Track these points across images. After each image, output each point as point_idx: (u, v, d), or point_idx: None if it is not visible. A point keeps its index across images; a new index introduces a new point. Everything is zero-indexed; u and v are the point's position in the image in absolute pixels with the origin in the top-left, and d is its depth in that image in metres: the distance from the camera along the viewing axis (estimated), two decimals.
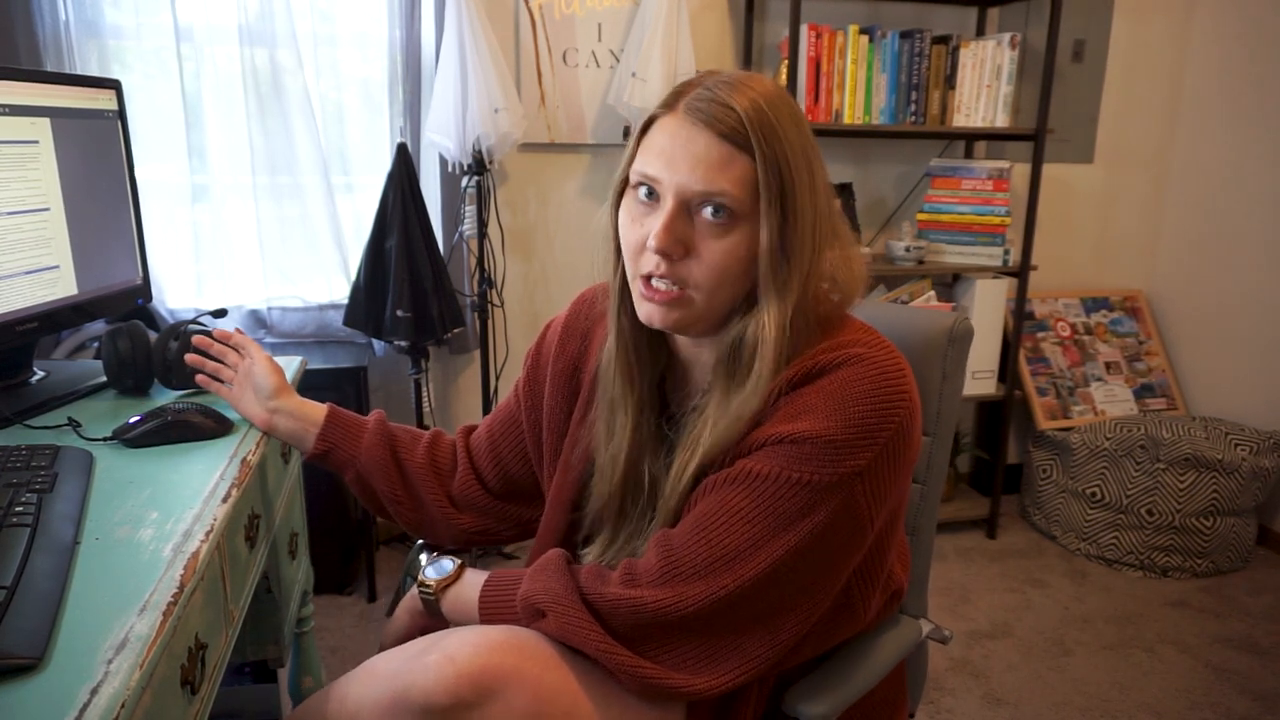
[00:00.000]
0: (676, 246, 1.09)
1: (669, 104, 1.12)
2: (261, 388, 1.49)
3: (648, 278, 1.12)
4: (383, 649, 1.34)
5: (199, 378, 1.55)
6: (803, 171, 1.07)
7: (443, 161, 3.14)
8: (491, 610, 1.21)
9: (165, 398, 1.63)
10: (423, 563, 1.58)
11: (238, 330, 1.59)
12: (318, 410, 1.49)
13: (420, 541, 1.63)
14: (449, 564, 1.29)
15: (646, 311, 1.15)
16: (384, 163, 3.10)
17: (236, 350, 1.55)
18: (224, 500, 1.20)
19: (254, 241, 3.13)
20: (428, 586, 1.27)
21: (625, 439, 1.25)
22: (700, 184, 1.07)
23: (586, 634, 1.10)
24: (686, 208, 1.09)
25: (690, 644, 1.10)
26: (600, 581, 1.13)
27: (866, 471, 1.06)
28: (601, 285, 1.27)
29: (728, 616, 1.08)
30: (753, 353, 1.11)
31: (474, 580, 1.26)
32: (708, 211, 1.08)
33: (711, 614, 1.07)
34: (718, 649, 1.10)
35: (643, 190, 1.12)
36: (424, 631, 1.33)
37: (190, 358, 1.55)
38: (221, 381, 1.54)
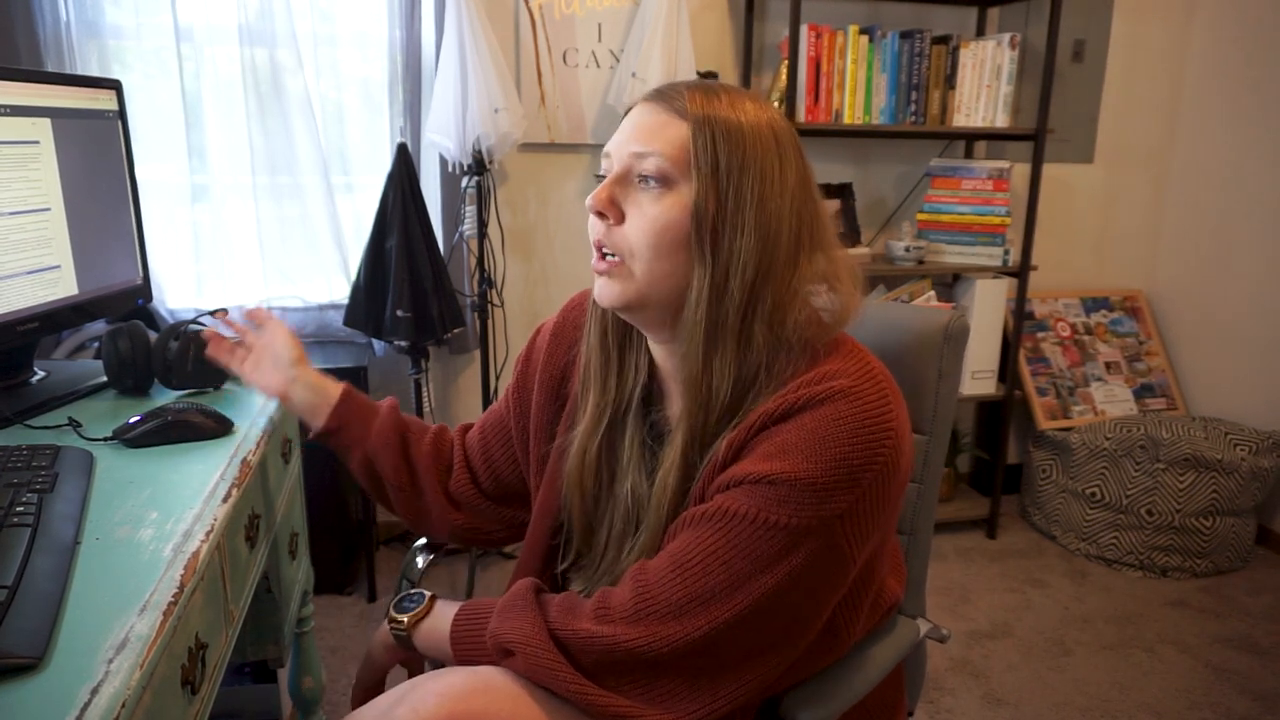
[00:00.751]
0: (611, 208, 1.11)
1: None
2: (281, 357, 1.47)
3: (597, 249, 1.15)
4: (359, 685, 1.34)
5: (211, 350, 1.53)
6: (750, 156, 1.07)
7: (443, 161, 3.14)
8: (464, 645, 1.19)
9: (165, 398, 1.64)
10: (419, 565, 1.59)
11: (260, 308, 1.58)
12: (334, 387, 1.48)
13: (418, 543, 1.62)
14: (419, 597, 1.27)
15: (597, 288, 1.17)
16: (384, 163, 3.10)
17: (258, 326, 1.54)
18: (224, 500, 1.20)
19: (254, 241, 3.13)
20: (399, 622, 1.25)
21: (584, 430, 1.26)
22: (636, 145, 1.10)
23: (556, 673, 1.08)
24: (628, 174, 1.12)
25: (665, 680, 1.08)
26: (571, 615, 1.11)
27: (848, 514, 1.04)
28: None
29: (704, 656, 1.06)
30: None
31: (445, 613, 1.24)
32: (643, 174, 1.10)
33: (686, 654, 1.06)
34: (694, 685, 1.08)
35: (603, 169, 1.16)
36: (404, 664, 1.32)
37: (208, 332, 1.55)
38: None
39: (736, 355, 1.10)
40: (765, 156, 1.08)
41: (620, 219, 1.12)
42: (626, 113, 1.17)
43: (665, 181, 1.09)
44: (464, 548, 3.18)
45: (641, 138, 1.10)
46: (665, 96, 1.12)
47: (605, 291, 1.15)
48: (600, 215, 1.13)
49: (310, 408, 1.47)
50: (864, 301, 1.18)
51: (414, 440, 1.48)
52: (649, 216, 1.09)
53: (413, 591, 1.28)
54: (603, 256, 1.14)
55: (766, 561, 1.03)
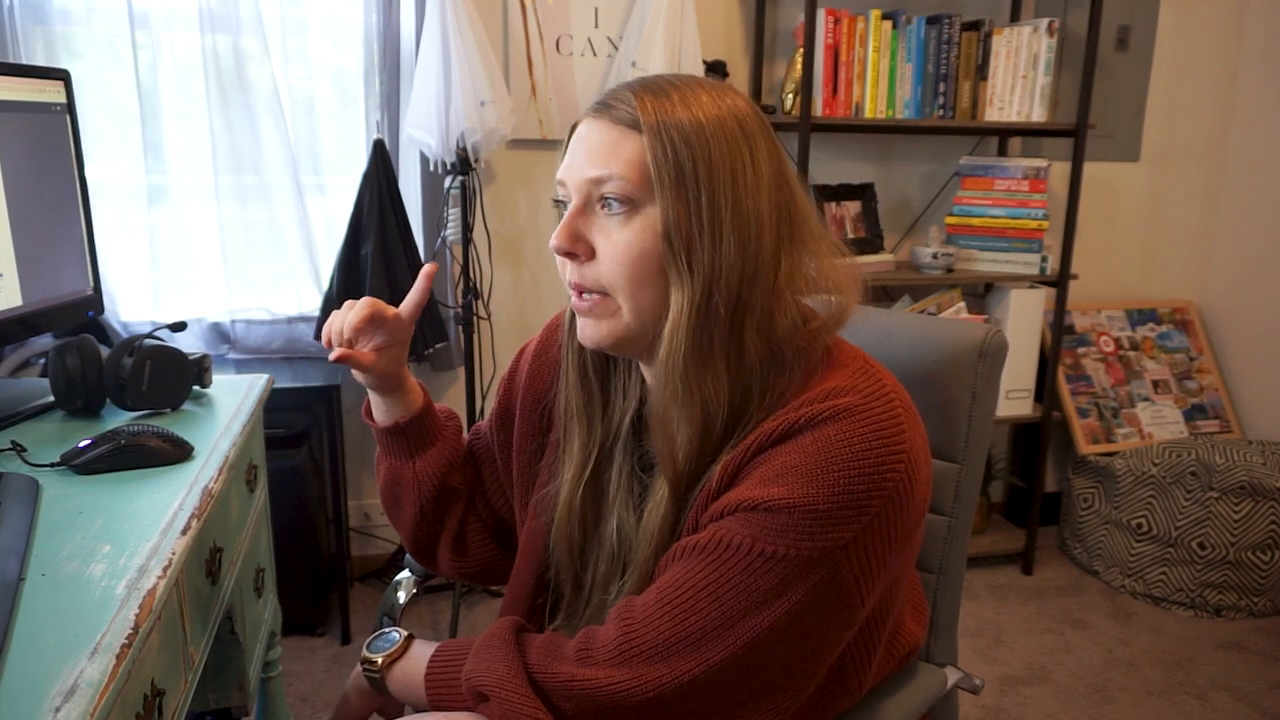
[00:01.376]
0: (577, 244, 1.10)
1: (589, 108, 1.14)
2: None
3: (575, 290, 1.13)
4: None
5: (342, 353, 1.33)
6: (717, 156, 1.06)
7: (424, 160, 3.15)
8: (439, 689, 1.19)
9: (118, 419, 1.64)
10: (400, 601, 1.58)
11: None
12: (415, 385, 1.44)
13: (399, 577, 1.61)
14: (394, 636, 1.27)
15: (580, 329, 1.16)
16: (359, 161, 3.11)
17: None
18: (183, 532, 1.20)
19: (216, 248, 3.13)
20: (371, 663, 1.25)
21: (568, 479, 1.25)
22: (591, 170, 1.08)
23: None
24: (588, 202, 1.10)
25: None
26: (552, 658, 1.11)
27: (853, 545, 1.02)
28: None
29: (694, 702, 1.05)
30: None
31: (421, 653, 1.24)
32: (606, 201, 1.09)
33: (675, 700, 1.04)
34: None
35: (560, 195, 1.14)
36: (380, 712, 1.32)
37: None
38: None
39: (729, 375, 1.09)
40: (733, 152, 1.07)
41: (591, 254, 1.11)
42: (572, 130, 1.15)
43: (630, 203, 1.07)
44: (449, 584, 3.18)
45: (596, 160, 1.08)
46: (612, 108, 1.10)
47: (591, 332, 1.14)
48: (569, 255, 1.11)
49: (407, 395, 1.41)
50: (859, 301, 1.17)
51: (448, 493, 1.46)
52: (619, 245, 1.08)
53: (387, 630, 1.28)
54: (581, 294, 1.13)
55: (762, 597, 1.02)
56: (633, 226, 1.07)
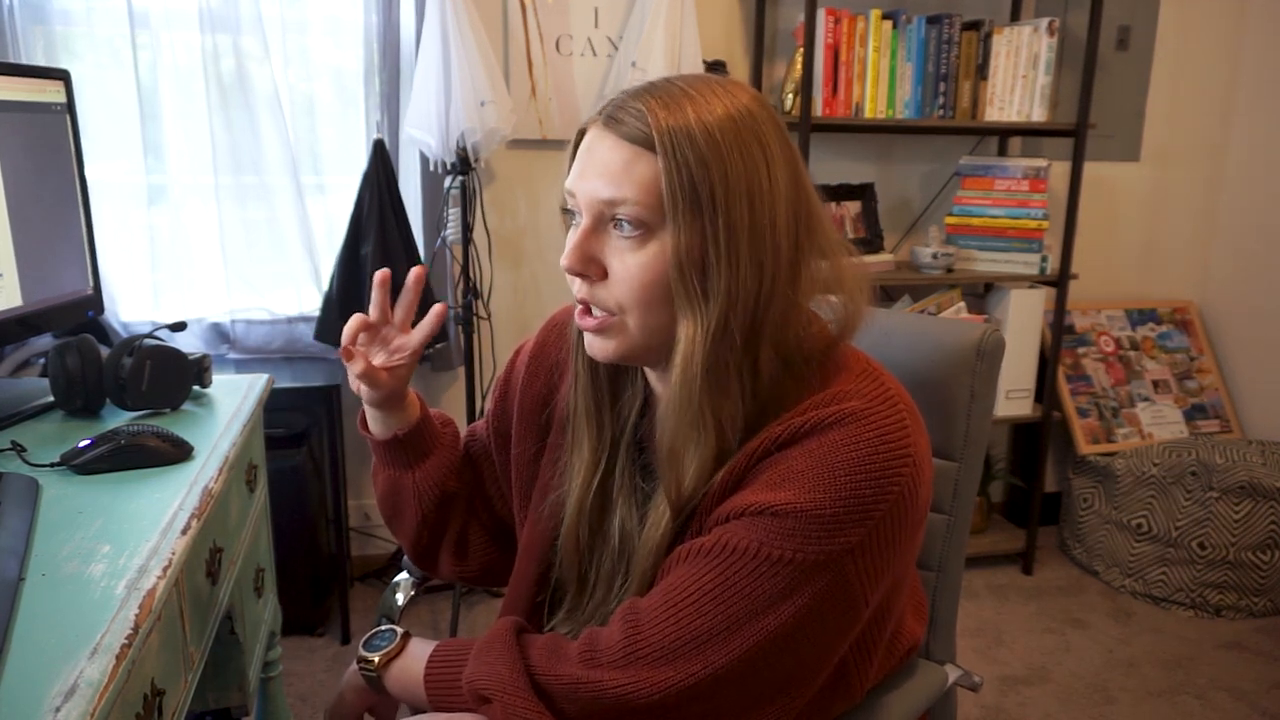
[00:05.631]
0: (589, 265, 1.08)
1: (596, 113, 1.11)
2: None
3: (583, 306, 1.12)
4: None
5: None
6: (733, 175, 1.03)
7: (424, 160, 3.15)
8: (439, 689, 1.19)
9: (118, 419, 1.64)
10: (399, 602, 1.58)
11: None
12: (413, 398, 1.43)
13: (397, 578, 1.61)
14: (391, 635, 1.26)
15: (587, 343, 1.15)
16: (359, 161, 3.11)
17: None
18: (183, 532, 1.20)
19: (216, 248, 3.13)
20: (368, 662, 1.24)
21: (578, 483, 1.25)
22: (604, 191, 1.05)
23: None
24: (601, 222, 1.08)
25: None
26: (555, 659, 1.11)
27: (859, 548, 1.02)
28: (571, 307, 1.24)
29: (699, 705, 1.05)
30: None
31: (419, 653, 1.23)
32: (619, 223, 1.06)
33: (680, 702, 1.04)
34: None
35: (568, 204, 1.12)
36: (373, 712, 1.32)
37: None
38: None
39: (743, 395, 1.08)
40: (749, 165, 1.04)
41: (602, 274, 1.08)
42: (579, 136, 1.12)
43: (644, 226, 1.04)
44: (449, 584, 3.18)
45: (608, 180, 1.05)
46: (623, 121, 1.05)
47: (599, 348, 1.13)
48: (581, 275, 1.09)
49: (402, 409, 1.40)
50: (870, 305, 1.16)
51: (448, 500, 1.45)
52: (633, 269, 1.06)
53: (384, 629, 1.28)
54: (588, 311, 1.11)
55: (768, 601, 1.02)
56: (647, 251, 1.05)
